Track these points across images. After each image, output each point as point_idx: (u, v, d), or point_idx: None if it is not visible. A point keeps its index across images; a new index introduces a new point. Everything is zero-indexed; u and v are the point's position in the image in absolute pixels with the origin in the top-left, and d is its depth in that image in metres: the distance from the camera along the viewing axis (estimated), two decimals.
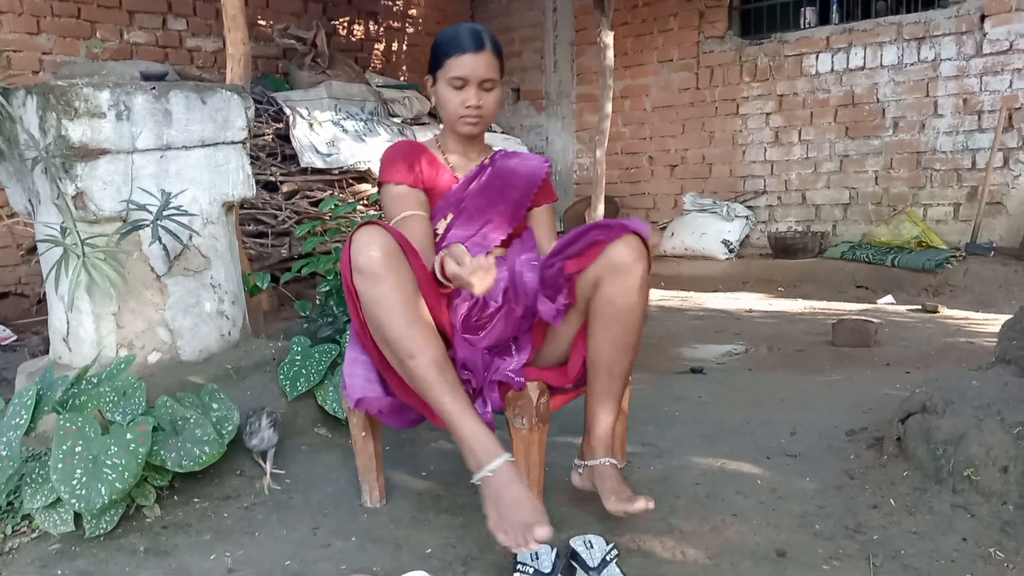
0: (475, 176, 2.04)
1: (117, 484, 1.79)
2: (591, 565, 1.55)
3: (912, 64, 5.66)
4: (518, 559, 1.58)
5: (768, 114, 6.38)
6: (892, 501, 1.83)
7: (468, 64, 1.90)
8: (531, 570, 1.54)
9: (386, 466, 2.08)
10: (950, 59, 5.51)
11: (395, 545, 1.81)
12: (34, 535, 1.91)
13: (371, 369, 1.89)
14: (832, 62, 6.02)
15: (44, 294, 5.15)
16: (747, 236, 6.39)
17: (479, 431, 1.63)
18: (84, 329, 2.39)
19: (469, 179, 2.03)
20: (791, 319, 4.47)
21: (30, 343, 4.23)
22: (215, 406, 2.22)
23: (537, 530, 1.48)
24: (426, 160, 2.01)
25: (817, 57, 6.08)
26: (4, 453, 1.82)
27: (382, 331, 1.69)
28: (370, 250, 1.65)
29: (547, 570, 1.54)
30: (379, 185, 2.03)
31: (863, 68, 5.88)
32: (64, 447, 1.81)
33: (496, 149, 2.16)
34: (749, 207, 6.44)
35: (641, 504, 1.69)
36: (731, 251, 6.16)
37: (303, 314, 3.03)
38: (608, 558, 1.55)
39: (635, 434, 2.36)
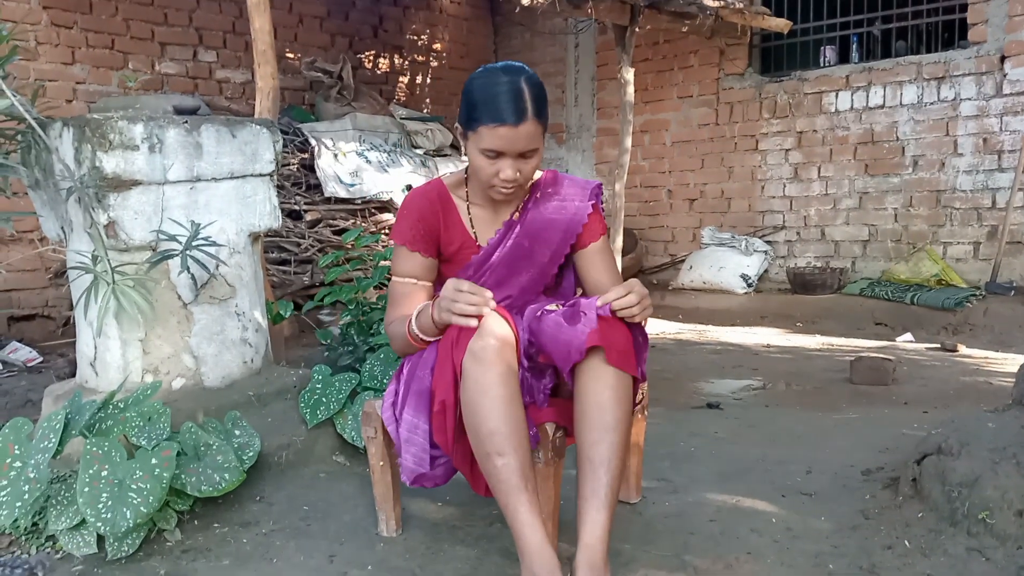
0: (500, 241, 1.90)
1: (142, 508, 1.83)
2: None
3: (932, 103, 5.69)
4: None
5: (787, 150, 6.42)
6: (907, 543, 1.83)
7: (506, 138, 1.70)
8: None
9: (403, 495, 2.11)
10: (970, 99, 5.53)
11: (411, 573, 1.83)
12: (58, 556, 1.95)
13: (427, 441, 1.81)
14: (852, 100, 6.06)
15: (70, 318, 5.25)
16: (765, 271, 6.40)
17: (543, 549, 1.58)
18: (111, 354, 2.45)
19: (492, 247, 1.90)
20: (809, 355, 4.46)
21: (56, 365, 4.31)
22: (237, 432, 2.27)
23: None
24: (444, 220, 1.89)
25: (837, 95, 6.12)
26: (32, 475, 1.86)
27: (478, 419, 1.64)
28: (490, 337, 1.63)
29: None
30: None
31: (883, 107, 5.91)
32: (91, 471, 1.86)
33: (534, 180, 1.93)
34: (768, 242, 6.46)
35: None
36: (749, 285, 6.17)
37: (324, 343, 3.08)
38: None
39: (650, 469, 2.38)
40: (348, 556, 1.94)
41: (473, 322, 1.66)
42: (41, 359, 4.52)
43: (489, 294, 1.68)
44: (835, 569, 1.77)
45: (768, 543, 1.91)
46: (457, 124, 1.83)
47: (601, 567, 1.57)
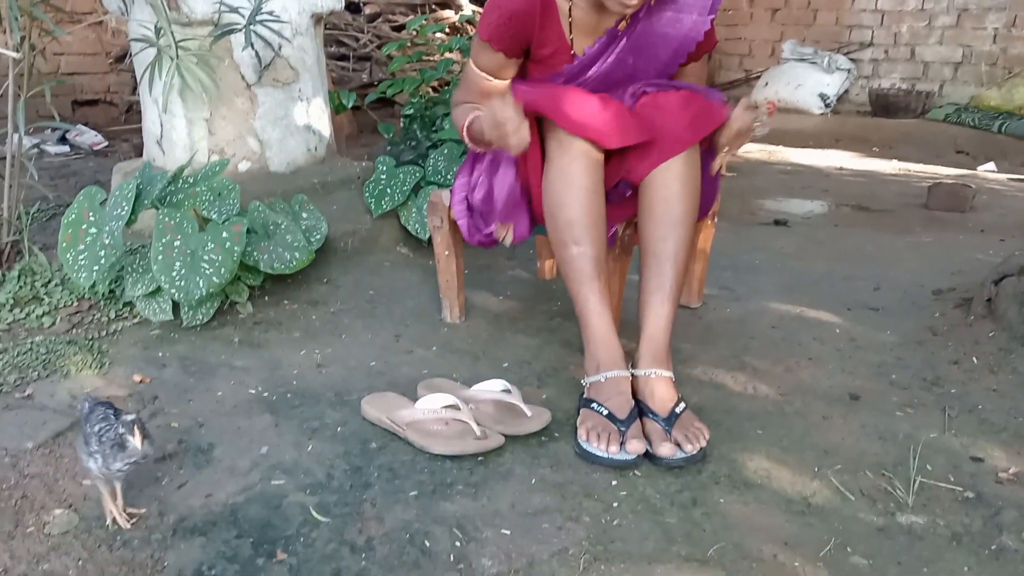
0: (599, 55, 1.71)
1: (214, 278, 1.88)
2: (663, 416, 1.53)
3: None
4: (593, 401, 1.56)
5: None
6: (975, 359, 1.80)
7: None
8: (605, 411, 1.53)
9: (466, 287, 2.13)
10: None
11: (473, 357, 1.88)
12: (135, 321, 2.03)
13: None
14: None
15: (132, 104, 5.24)
16: (846, 91, 6.04)
17: (610, 338, 1.58)
18: (177, 132, 2.44)
19: (590, 60, 1.71)
20: (884, 179, 4.28)
21: (121, 150, 4.36)
22: (304, 215, 2.28)
23: (630, 443, 1.43)
24: (541, 19, 1.67)
25: None
26: (108, 241, 1.91)
27: (559, 208, 1.60)
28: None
29: (623, 416, 1.52)
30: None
31: None
32: (164, 240, 1.90)
33: None
34: (852, 60, 6.05)
35: (690, 447, 1.43)
36: (827, 106, 5.85)
37: (387, 136, 3.03)
38: (678, 411, 1.55)
39: (713, 279, 2.35)
40: (413, 337, 1.99)
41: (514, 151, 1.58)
42: (106, 143, 4.57)
43: (526, 141, 1.56)
44: (897, 379, 1.76)
45: (830, 351, 1.90)
46: None
47: (663, 358, 1.58)
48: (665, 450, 1.42)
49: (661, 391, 1.52)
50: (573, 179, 1.59)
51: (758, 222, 3.25)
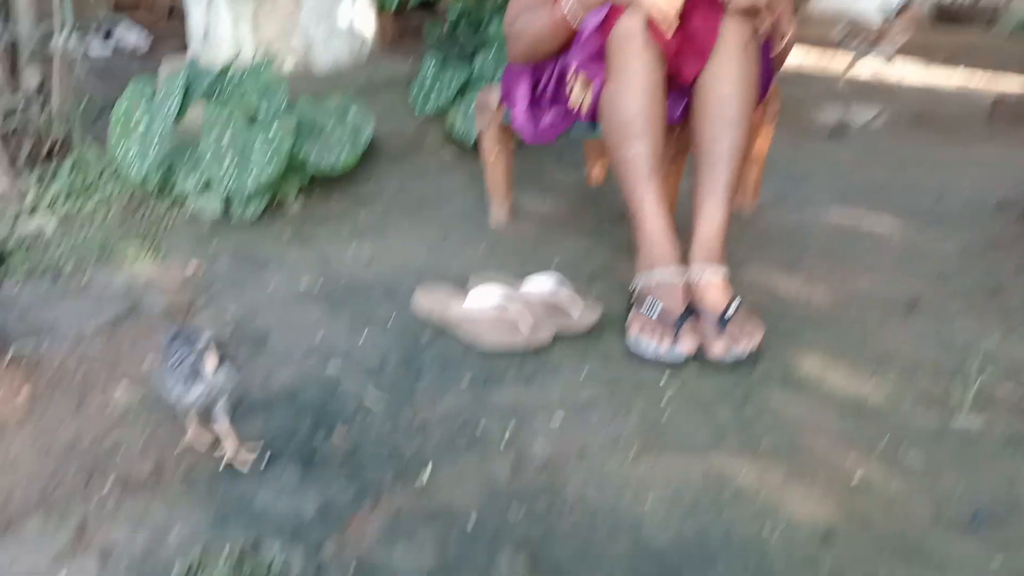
0: None
1: (264, 173, 1.87)
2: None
3: None
4: (646, 299, 1.54)
5: None
6: None
7: None
8: (657, 309, 1.51)
9: (512, 190, 2.10)
10: None
11: (522, 257, 1.87)
12: (187, 215, 2.05)
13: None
14: None
15: (172, 8, 5.17)
16: (909, 1, 5.74)
17: (665, 237, 1.54)
18: (223, 29, 2.41)
19: None
20: (946, 92, 4.10)
21: (162, 53, 4.32)
22: (350, 114, 2.25)
23: (682, 341, 1.43)
24: None
25: None
26: (159, 134, 1.91)
27: (617, 105, 1.55)
28: (637, 22, 1.51)
29: (676, 314, 1.48)
30: None
31: None
32: (214, 134, 1.89)
33: None
34: None
35: (743, 345, 1.42)
36: (891, 14, 5.57)
37: (432, 37, 2.96)
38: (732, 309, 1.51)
39: (769, 186, 2.29)
40: (460, 237, 1.98)
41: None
42: (152, 40, 4.53)
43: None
44: (958, 288, 1.71)
45: (888, 260, 1.86)
46: None
47: (717, 259, 1.54)
48: (718, 349, 1.41)
49: (715, 290, 1.50)
50: (633, 75, 1.54)
51: (815, 131, 3.14)
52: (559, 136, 1.83)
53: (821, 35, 5.49)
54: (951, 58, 5.01)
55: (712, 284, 1.51)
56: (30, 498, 1.12)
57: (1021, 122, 3.35)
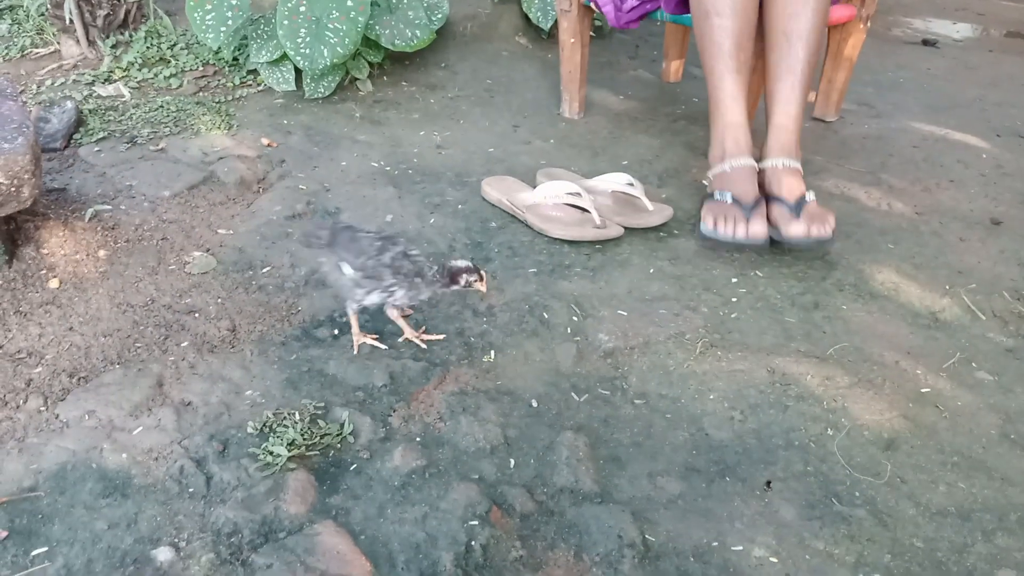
0: None
1: (338, 48, 1.85)
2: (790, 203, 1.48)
3: None
4: (717, 190, 1.50)
5: None
6: None
7: None
8: (730, 197, 1.48)
9: (588, 82, 2.05)
10: None
11: (592, 152, 1.84)
12: (259, 88, 2.05)
13: None
14: None
15: None
16: None
17: (740, 126, 1.48)
18: None
19: None
20: None
21: None
22: None
23: (753, 226, 1.39)
24: None
25: None
26: (235, 2, 1.89)
27: None
28: None
29: (748, 201, 1.47)
30: None
31: None
32: (289, 6, 1.86)
33: None
34: None
35: (823, 229, 1.38)
36: None
37: None
38: (807, 199, 1.47)
39: (853, 94, 2.20)
40: (531, 128, 1.95)
41: None
42: None
43: None
44: None
45: (974, 175, 1.78)
46: None
47: (792, 148, 1.48)
48: (795, 230, 1.38)
49: (789, 180, 1.45)
50: None
51: (905, 40, 2.97)
52: (643, 18, 1.76)
53: None
54: None
55: (787, 175, 1.46)
56: (109, 352, 1.16)
57: None
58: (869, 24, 1.93)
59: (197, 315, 1.25)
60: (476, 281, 1.13)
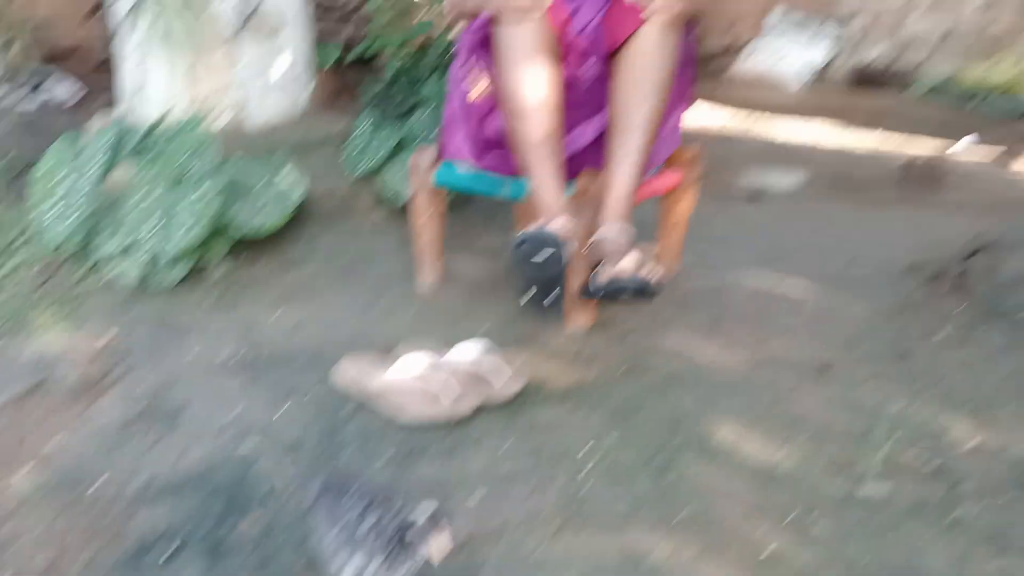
0: None
1: (190, 234, 1.86)
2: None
3: None
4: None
5: None
6: (944, 333, 1.83)
7: None
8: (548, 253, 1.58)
9: (445, 251, 2.12)
10: None
11: (453, 321, 1.88)
12: (106, 282, 1.99)
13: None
14: None
15: (104, 60, 5.08)
16: (828, 64, 6.02)
17: (557, 199, 1.60)
18: (154, 86, 2.39)
19: None
20: (861, 155, 4.29)
21: (93, 107, 4.24)
22: (282, 174, 2.24)
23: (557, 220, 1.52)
24: None
25: None
26: (83, 194, 1.88)
27: (508, 76, 1.60)
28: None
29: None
30: None
31: None
32: (140, 193, 1.87)
33: None
34: (838, 30, 6.02)
35: (646, 272, 1.55)
36: (808, 79, 5.84)
37: (369, 95, 2.98)
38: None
39: (688, 250, 2.35)
40: (391, 301, 1.99)
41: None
42: (84, 92, 4.44)
43: None
44: (867, 352, 1.78)
45: (802, 323, 1.92)
46: None
47: (624, 217, 1.59)
48: (627, 263, 1.51)
49: (619, 240, 1.56)
50: (518, 46, 1.58)
51: (732, 195, 3.25)
52: (495, 172, 1.88)
53: (743, 97, 5.70)
54: (868, 121, 5.24)
55: (620, 243, 1.56)
56: None
57: (930, 185, 3.53)
58: (699, 185, 2.11)
59: (17, 544, 1.16)
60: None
